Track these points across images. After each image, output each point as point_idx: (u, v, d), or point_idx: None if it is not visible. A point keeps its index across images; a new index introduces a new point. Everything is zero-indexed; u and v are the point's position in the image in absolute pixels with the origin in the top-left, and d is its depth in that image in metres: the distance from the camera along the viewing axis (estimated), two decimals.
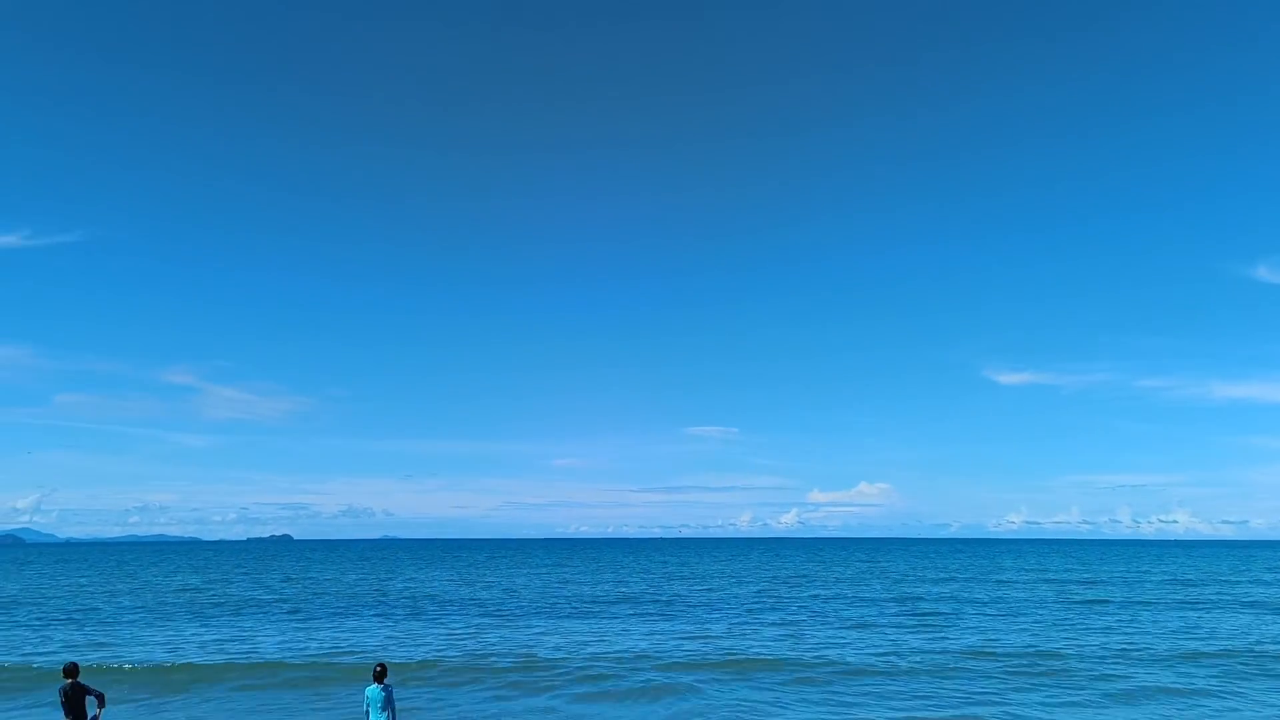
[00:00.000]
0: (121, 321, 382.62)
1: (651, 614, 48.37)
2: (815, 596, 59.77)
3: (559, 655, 32.63)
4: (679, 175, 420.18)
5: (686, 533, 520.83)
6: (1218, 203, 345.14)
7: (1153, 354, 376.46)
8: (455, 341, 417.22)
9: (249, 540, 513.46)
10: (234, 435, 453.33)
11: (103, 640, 38.00)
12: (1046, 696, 25.76)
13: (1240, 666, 30.68)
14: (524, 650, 33.92)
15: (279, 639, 38.15)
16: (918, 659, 31.81)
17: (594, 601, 56.50)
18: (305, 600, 58.73)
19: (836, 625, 42.69)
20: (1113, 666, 30.35)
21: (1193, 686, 27.26)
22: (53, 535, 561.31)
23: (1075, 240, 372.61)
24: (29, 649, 35.32)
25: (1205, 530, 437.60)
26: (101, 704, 16.11)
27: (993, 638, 37.51)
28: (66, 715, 15.83)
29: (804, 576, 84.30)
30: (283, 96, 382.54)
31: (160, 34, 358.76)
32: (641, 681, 27.99)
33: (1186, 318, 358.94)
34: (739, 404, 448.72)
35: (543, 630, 40.83)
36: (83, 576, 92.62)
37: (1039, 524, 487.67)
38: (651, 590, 66.27)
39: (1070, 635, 38.52)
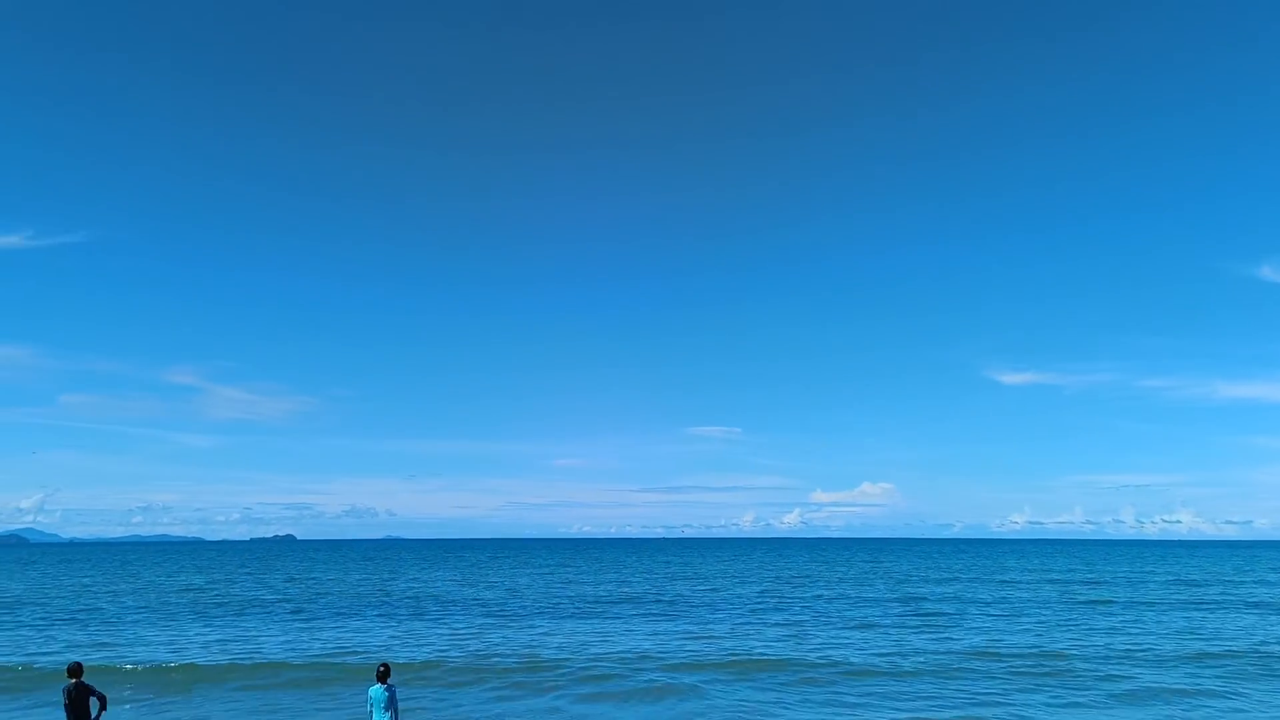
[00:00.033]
0: (125, 322, 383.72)
1: (654, 614, 48.33)
2: (818, 597, 59.71)
3: (562, 655, 32.61)
4: (679, 175, 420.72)
5: (689, 533, 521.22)
6: (1221, 202, 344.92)
7: (1156, 354, 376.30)
8: (458, 342, 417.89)
9: (252, 540, 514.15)
10: (237, 435, 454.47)
11: (106, 640, 38.03)
12: (1051, 697, 25.70)
13: (1245, 667, 30.59)
14: (527, 650, 33.91)
15: (282, 639, 38.16)
16: (922, 660, 31.76)
17: (597, 602, 56.48)
18: (308, 600, 58.76)
19: (840, 625, 42.64)
20: (1117, 667, 30.28)
21: (1198, 687, 27.18)
22: (56, 535, 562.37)
23: (1078, 240, 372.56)
24: (33, 649, 35.35)
25: (1209, 530, 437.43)
26: (103, 706, 16.10)
27: (997, 638, 37.45)
28: (69, 715, 15.82)
29: (807, 577, 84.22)
30: (283, 97, 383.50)
31: (162, 35, 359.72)
32: (645, 682, 27.96)
33: (1189, 318, 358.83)
34: (741, 404, 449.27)
35: (546, 630, 40.81)
36: (86, 576, 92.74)
37: (1042, 524, 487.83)
38: (654, 590, 66.23)
39: (1074, 636, 38.44)
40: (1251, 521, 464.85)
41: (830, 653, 33.53)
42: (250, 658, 32.68)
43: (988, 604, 54.11)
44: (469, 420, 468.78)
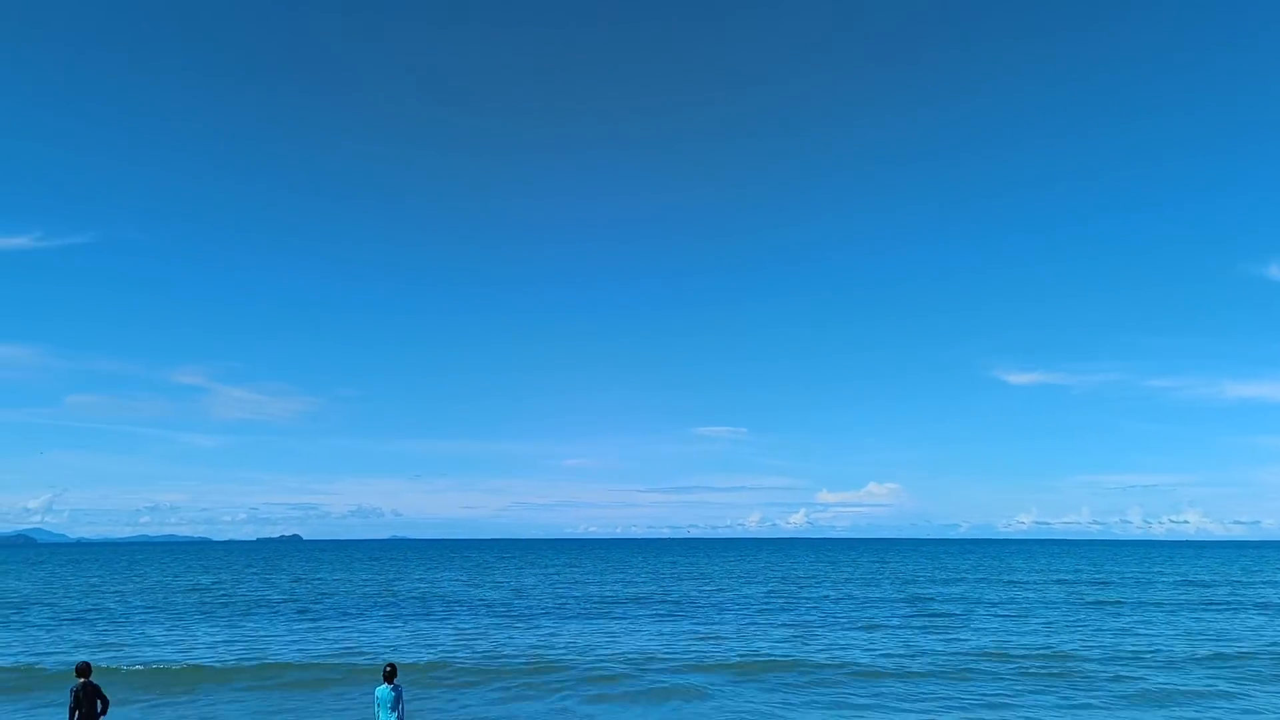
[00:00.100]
0: (132, 322, 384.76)
1: (661, 615, 48.26)
2: (825, 597, 59.58)
3: (569, 656, 32.56)
4: (679, 175, 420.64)
5: (695, 533, 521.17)
6: (1228, 202, 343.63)
7: (1163, 353, 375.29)
8: (463, 342, 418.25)
9: (259, 540, 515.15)
10: (244, 435, 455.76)
11: (113, 640, 38.08)
12: (1060, 699, 25.56)
13: (1257, 669, 30.41)
14: (534, 651, 33.86)
15: (288, 639, 38.17)
16: (929, 661, 31.63)
17: (603, 602, 56.43)
18: (314, 600, 58.81)
19: (846, 626, 42.52)
20: (1126, 668, 30.12)
21: (1209, 689, 27.01)
22: (64, 535, 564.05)
23: (1084, 239, 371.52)
24: (41, 649, 35.40)
25: (1216, 531, 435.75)
26: (105, 709, 16.10)
27: (1004, 639, 37.29)
28: (75, 713, 15.80)
29: (813, 577, 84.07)
30: (283, 97, 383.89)
31: (164, 36, 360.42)
32: (652, 683, 27.89)
33: (1196, 317, 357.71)
34: (747, 404, 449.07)
35: (552, 631, 40.76)
36: (93, 576, 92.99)
37: (1049, 524, 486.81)
38: (660, 591, 66.16)
39: (1082, 637, 38.27)
40: (1259, 522, 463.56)
41: (837, 654, 33.43)
42: (256, 658, 32.69)
43: (995, 605, 53.93)
44: (475, 420, 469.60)
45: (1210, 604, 55.42)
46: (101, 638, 39.07)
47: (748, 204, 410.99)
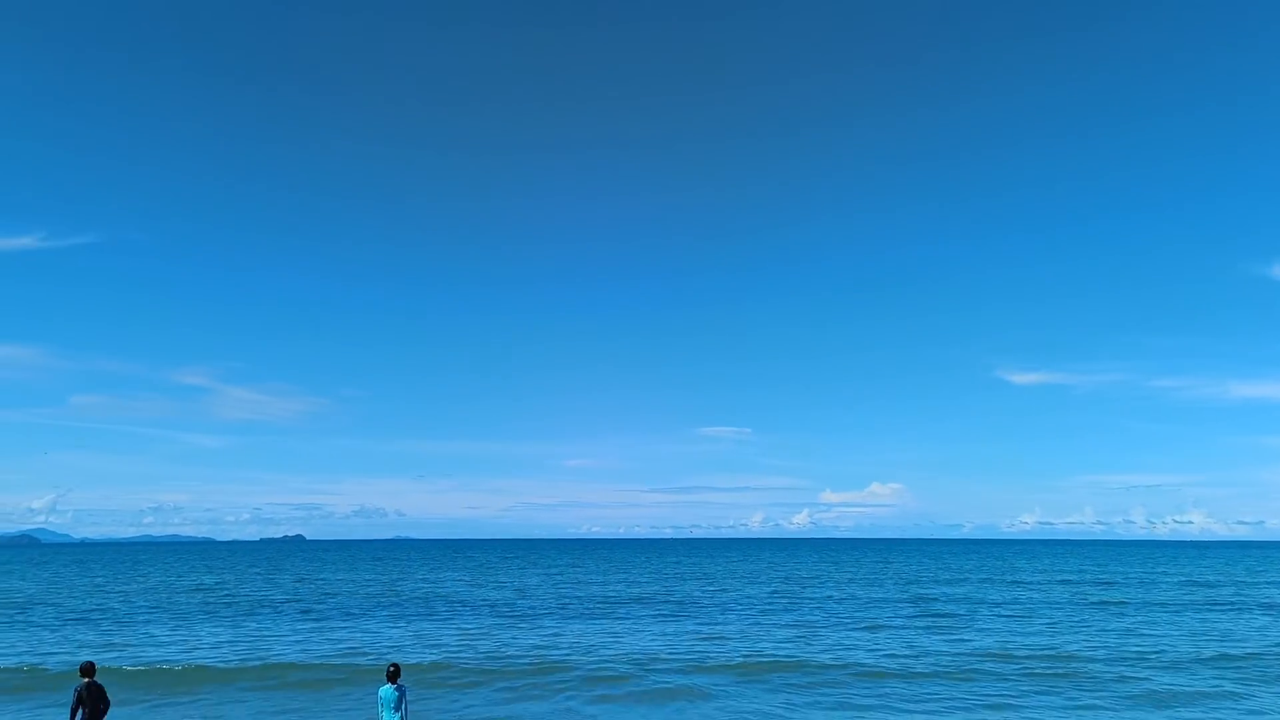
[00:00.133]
0: (135, 322, 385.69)
1: (664, 615, 48.24)
2: (828, 598, 59.52)
3: (572, 656, 32.54)
4: (679, 175, 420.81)
5: (698, 533, 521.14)
6: (1231, 202, 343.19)
7: (1167, 354, 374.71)
8: (467, 342, 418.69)
9: (262, 540, 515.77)
10: (247, 436, 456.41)
11: (117, 640, 38.11)
12: (1064, 700, 25.49)
13: (1262, 669, 30.31)
14: (537, 651, 33.85)
15: (292, 640, 38.19)
16: (932, 661, 31.58)
17: (606, 602, 56.41)
18: (318, 601, 58.85)
19: (850, 627, 42.46)
20: (1131, 669, 30.04)
21: (1214, 690, 26.92)
22: (68, 535, 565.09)
23: (1087, 239, 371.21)
24: (45, 649, 35.44)
25: (1220, 531, 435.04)
26: (105, 710, 16.12)
27: (1008, 640, 37.22)
28: (77, 712, 15.81)
29: (816, 577, 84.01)
30: (284, 97, 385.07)
31: (166, 36, 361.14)
32: (655, 684, 27.86)
33: (1201, 317, 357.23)
34: (751, 404, 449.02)
35: (555, 631, 40.75)
36: (98, 576, 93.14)
37: (1052, 524, 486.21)
38: (664, 591, 66.13)
39: (1087, 637, 38.18)
40: (1264, 522, 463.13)
41: (841, 654, 33.38)
42: (260, 658, 32.69)
43: (999, 605, 53.84)
44: (478, 421, 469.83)
45: (1215, 604, 55.30)
46: (105, 638, 39.10)
47: (749, 204, 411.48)
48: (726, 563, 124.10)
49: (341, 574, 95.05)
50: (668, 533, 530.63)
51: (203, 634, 40.17)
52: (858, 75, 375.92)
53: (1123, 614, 48.88)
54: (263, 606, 54.39)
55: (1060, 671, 29.59)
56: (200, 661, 31.69)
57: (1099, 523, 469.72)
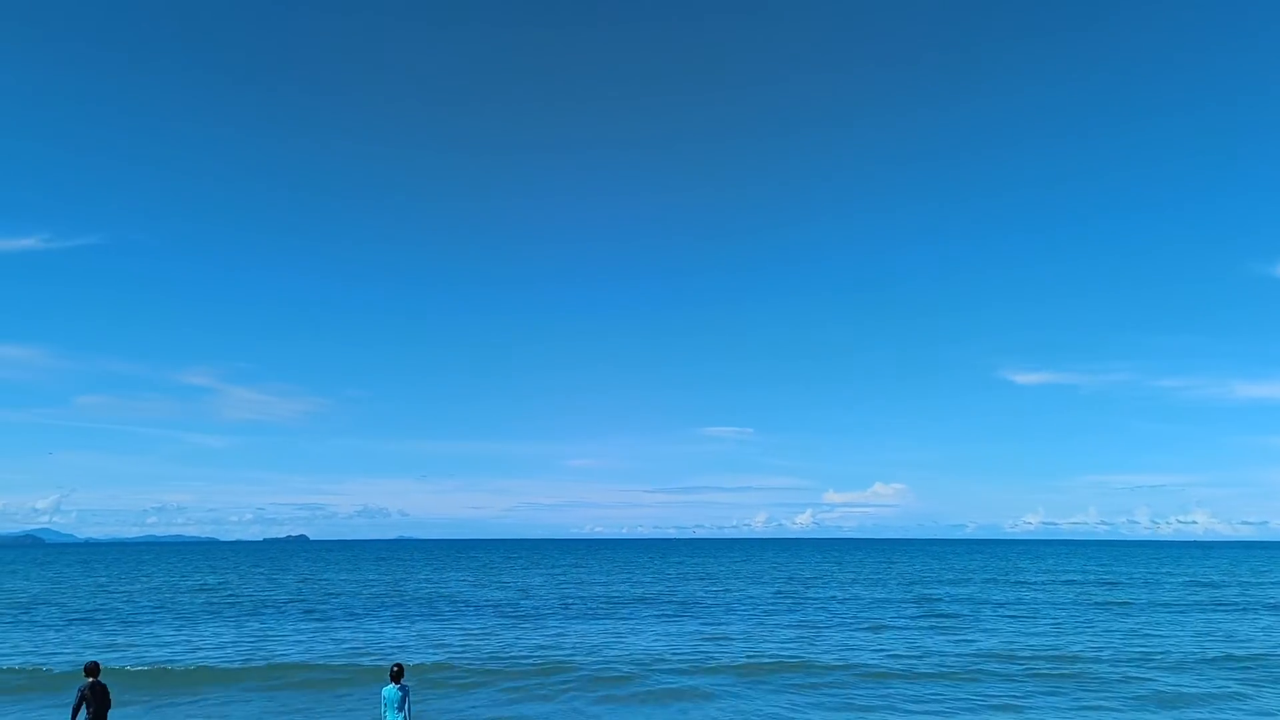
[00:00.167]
0: (140, 323, 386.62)
1: (667, 615, 48.19)
2: (832, 598, 59.44)
3: (576, 657, 32.50)
4: (681, 175, 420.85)
5: (701, 533, 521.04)
6: (1237, 201, 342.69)
7: (1171, 353, 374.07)
8: (470, 343, 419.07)
9: (265, 540, 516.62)
10: (251, 436, 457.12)
11: (121, 640, 38.13)
12: (1070, 701, 25.40)
13: (1268, 670, 30.21)
14: (541, 652, 33.82)
15: (295, 640, 38.19)
16: (937, 662, 31.50)
17: (609, 602, 56.37)
18: (321, 601, 58.87)
19: (854, 627, 42.39)
20: (1136, 670, 29.95)
21: (1220, 691, 26.82)
22: (72, 535, 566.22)
23: (1091, 239, 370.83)
24: (49, 649, 35.47)
25: (1225, 531, 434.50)
26: (106, 709, 16.14)
27: (1013, 640, 37.14)
28: (79, 711, 15.80)
29: (820, 578, 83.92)
30: (284, 97, 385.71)
31: (167, 37, 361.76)
32: (659, 685, 27.81)
33: (1205, 317, 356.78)
34: (754, 404, 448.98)
35: (559, 632, 40.72)
36: (101, 576, 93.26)
37: (1056, 525, 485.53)
38: (667, 591, 66.09)
39: (1091, 638, 38.09)
40: (1268, 522, 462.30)
41: (845, 655, 33.31)
42: (264, 659, 32.69)
43: (1003, 605, 53.74)
44: (481, 421, 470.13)
45: (1220, 605, 55.17)
46: (109, 638, 39.12)
47: (750, 203, 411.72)
48: (729, 563, 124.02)
49: (345, 574, 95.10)
50: (671, 533, 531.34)
51: (206, 634, 40.19)
52: (858, 75, 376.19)
53: (1127, 614, 48.77)
54: (266, 607, 54.42)
55: (1065, 672, 29.51)
56: (204, 662, 31.70)
57: (1103, 523, 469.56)
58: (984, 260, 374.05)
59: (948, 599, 58.36)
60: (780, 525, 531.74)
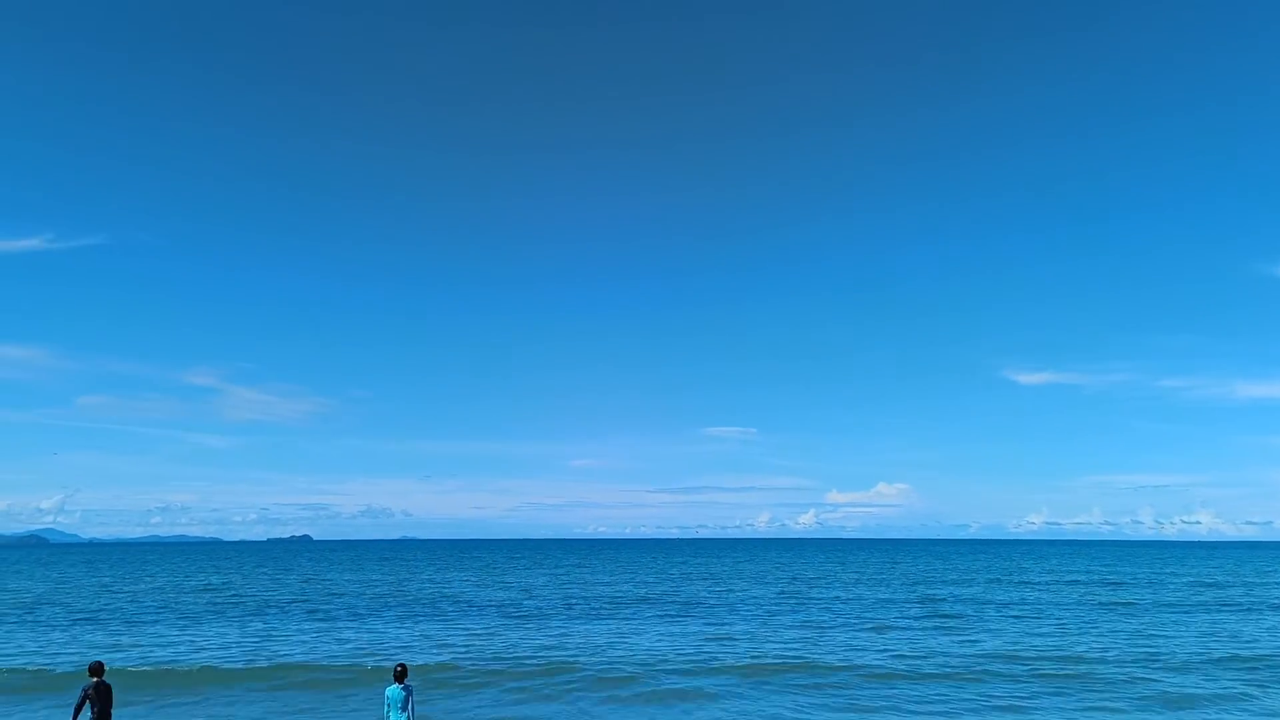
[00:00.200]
0: (143, 323, 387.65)
1: (671, 615, 48.15)
2: (836, 598, 59.36)
3: (579, 658, 32.46)
4: (682, 175, 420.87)
5: (704, 533, 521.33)
6: (1240, 201, 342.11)
7: (1174, 353, 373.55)
8: (474, 343, 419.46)
9: (269, 540, 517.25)
10: (255, 436, 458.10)
11: (125, 641, 38.15)
12: (1076, 702, 25.33)
13: (1274, 671, 30.10)
14: (544, 653, 33.79)
15: (299, 640, 38.19)
16: (941, 662, 31.43)
17: (613, 603, 56.33)
18: (325, 601, 58.88)
19: (858, 628, 42.32)
20: (1142, 670, 29.86)
21: (1226, 692, 26.73)
22: (76, 535, 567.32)
23: (1094, 239, 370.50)
24: (52, 650, 35.51)
25: (1229, 531, 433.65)
26: (110, 709, 16.14)
27: (1017, 641, 37.05)
28: (81, 709, 15.80)
29: (823, 578, 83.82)
30: (286, 97, 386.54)
31: (168, 37, 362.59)
32: (663, 685, 27.78)
33: (1208, 317, 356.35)
34: (756, 404, 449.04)
35: (563, 632, 40.69)
36: (105, 576, 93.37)
37: (1059, 525, 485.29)
38: (670, 592, 66.04)
39: (1095, 639, 38.00)
40: (1272, 522, 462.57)
41: (849, 655, 33.25)
42: (267, 659, 32.70)
43: (1007, 605, 53.64)
44: (485, 421, 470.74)
45: (1225, 605, 55.03)
46: (113, 638, 39.15)
47: (751, 203, 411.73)
48: (733, 563, 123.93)
49: (348, 574, 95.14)
50: (674, 533, 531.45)
51: (210, 634, 40.20)
52: (858, 75, 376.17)
53: (1132, 615, 48.65)
54: (270, 607, 54.44)
55: (1071, 673, 29.43)
56: (207, 662, 31.71)
57: (1107, 523, 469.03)
58: (986, 260, 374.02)
59: (952, 599, 58.27)
60: (783, 525, 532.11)
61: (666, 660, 31.90)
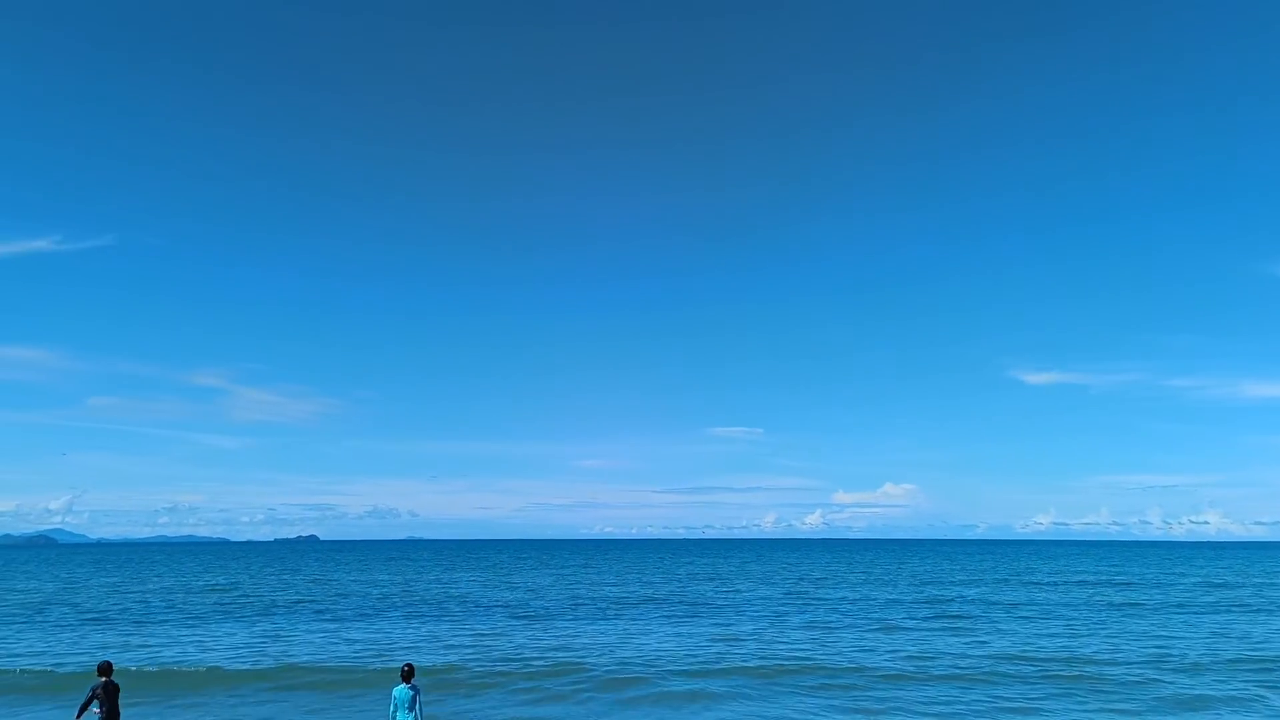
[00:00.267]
0: (152, 324, 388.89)
1: (678, 616, 48.07)
2: (843, 599, 59.21)
3: (587, 659, 32.39)
4: (683, 175, 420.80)
5: (711, 534, 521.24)
6: (1247, 201, 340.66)
7: (1182, 353, 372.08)
8: (479, 343, 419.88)
9: (276, 541, 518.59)
10: (262, 437, 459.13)
11: (133, 641, 38.21)
12: (1084, 704, 25.19)
13: None
14: (551, 653, 33.73)
15: (306, 640, 38.21)
16: (950, 663, 31.30)
17: (620, 603, 56.27)
18: (332, 602, 58.93)
19: (865, 628, 42.19)
20: (1153, 672, 29.68)
21: (1240, 693, 26.54)
22: (84, 536, 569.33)
23: (1101, 239, 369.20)
24: (61, 650, 35.59)
25: (1237, 531, 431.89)
26: (118, 708, 16.17)
27: (1025, 642, 36.89)
28: (88, 707, 15.81)
29: (830, 578, 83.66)
30: (286, 97, 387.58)
31: (173, 39, 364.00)
32: (671, 686, 27.70)
33: (1216, 316, 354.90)
34: (762, 404, 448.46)
35: (570, 633, 40.64)
36: (114, 577, 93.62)
37: (1067, 525, 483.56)
38: (677, 592, 65.97)
39: (1104, 640, 37.81)
40: None
41: (857, 656, 33.13)
42: (274, 660, 32.71)
43: (1015, 606, 53.44)
44: (491, 421, 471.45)
45: (1234, 606, 54.75)
46: (121, 639, 39.21)
47: (754, 203, 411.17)
48: (739, 563, 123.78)
49: (355, 574, 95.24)
50: (680, 533, 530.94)
51: (217, 635, 40.25)
52: (858, 75, 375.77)
53: (1141, 615, 48.43)
54: (277, 607, 54.51)
55: (1080, 674, 29.25)
56: (215, 663, 31.72)
57: (1114, 523, 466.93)
58: (993, 260, 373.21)
59: (960, 600, 58.09)
60: (790, 525, 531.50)
61: (674, 661, 31.82)
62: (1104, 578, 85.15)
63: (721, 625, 43.44)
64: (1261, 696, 26.11)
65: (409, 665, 17.22)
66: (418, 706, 16.63)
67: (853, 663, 31.64)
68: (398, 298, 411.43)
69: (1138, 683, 27.91)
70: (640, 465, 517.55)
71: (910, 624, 43.81)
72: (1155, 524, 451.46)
